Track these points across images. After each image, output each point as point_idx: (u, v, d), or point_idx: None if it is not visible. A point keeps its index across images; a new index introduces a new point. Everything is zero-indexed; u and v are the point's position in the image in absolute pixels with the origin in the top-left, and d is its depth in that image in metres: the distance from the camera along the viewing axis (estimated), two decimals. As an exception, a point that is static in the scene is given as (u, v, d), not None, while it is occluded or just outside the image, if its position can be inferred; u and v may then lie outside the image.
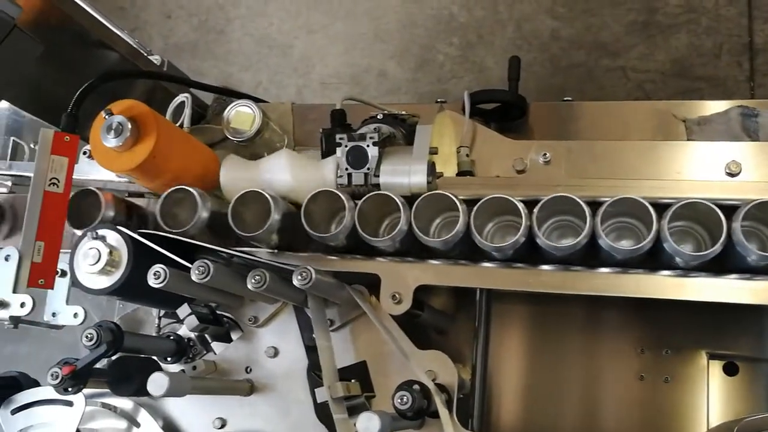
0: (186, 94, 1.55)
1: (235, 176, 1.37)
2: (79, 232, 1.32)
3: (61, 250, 1.27)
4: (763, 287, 1.12)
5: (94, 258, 1.25)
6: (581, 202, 1.13)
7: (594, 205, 1.14)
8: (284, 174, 1.33)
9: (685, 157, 1.31)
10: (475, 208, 1.17)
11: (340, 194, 1.23)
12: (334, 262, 1.29)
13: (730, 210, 1.10)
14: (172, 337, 1.43)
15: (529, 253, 1.22)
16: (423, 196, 1.21)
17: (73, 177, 1.28)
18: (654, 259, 1.17)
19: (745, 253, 1.08)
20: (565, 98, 1.64)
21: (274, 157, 1.36)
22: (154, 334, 1.48)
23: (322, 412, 1.35)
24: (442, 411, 1.16)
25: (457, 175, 1.40)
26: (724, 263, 1.14)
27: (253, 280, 1.16)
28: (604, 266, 1.19)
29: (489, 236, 1.26)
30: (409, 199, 1.23)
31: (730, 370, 1.38)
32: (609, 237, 1.12)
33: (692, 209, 1.12)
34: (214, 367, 1.44)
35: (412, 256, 1.27)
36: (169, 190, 1.29)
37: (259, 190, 1.26)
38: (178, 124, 1.52)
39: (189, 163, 1.34)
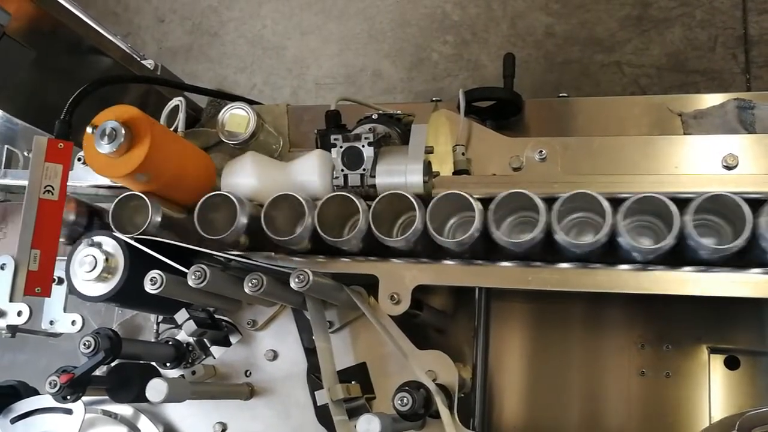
0: (180, 98, 1.54)
1: (267, 179, 1.36)
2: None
3: (58, 258, 1.26)
4: (760, 280, 1.11)
5: (90, 265, 1.24)
6: (601, 199, 1.13)
7: (616, 201, 1.14)
8: (315, 175, 1.32)
9: (682, 152, 1.31)
10: (493, 204, 1.17)
11: (353, 197, 1.23)
12: (332, 264, 1.28)
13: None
14: (170, 343, 1.43)
15: (547, 252, 1.21)
16: (439, 196, 1.21)
17: (68, 184, 1.28)
18: (677, 256, 1.16)
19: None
20: (561, 94, 1.64)
21: (307, 157, 1.35)
22: (152, 340, 1.47)
23: (323, 414, 1.34)
24: (443, 411, 1.16)
25: (454, 173, 1.40)
26: (755, 259, 1.14)
27: (250, 284, 1.16)
28: (625, 264, 1.18)
29: (504, 234, 1.25)
30: (424, 199, 1.22)
31: (731, 364, 1.38)
32: (629, 235, 1.12)
33: (716, 203, 1.11)
34: (214, 372, 1.44)
35: (425, 256, 1.27)
36: (206, 196, 1.28)
37: (293, 194, 1.25)
38: (172, 129, 1.51)
39: (184, 167, 1.33)
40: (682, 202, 1.12)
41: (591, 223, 1.22)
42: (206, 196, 1.28)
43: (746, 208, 1.08)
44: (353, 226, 1.24)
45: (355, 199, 1.22)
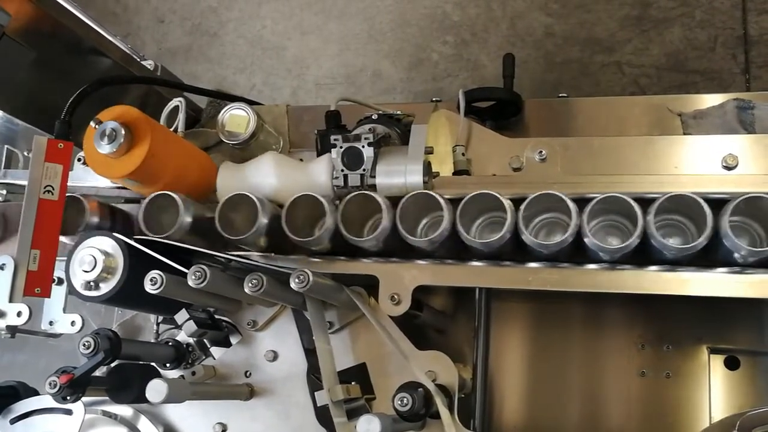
0: (180, 99, 1.54)
1: (228, 181, 1.37)
2: (67, 240, 1.31)
3: (57, 258, 1.26)
4: (760, 280, 1.11)
5: (89, 265, 1.24)
6: (567, 199, 1.13)
7: (584, 201, 1.14)
8: (270, 177, 1.33)
9: (681, 152, 1.31)
10: (461, 204, 1.17)
11: (320, 198, 1.23)
12: (332, 264, 1.28)
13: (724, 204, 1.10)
14: (170, 343, 1.43)
15: (517, 251, 1.21)
16: (407, 196, 1.20)
17: (68, 184, 1.28)
18: (644, 255, 1.16)
19: (734, 248, 1.08)
20: (561, 94, 1.64)
21: (260, 159, 1.36)
22: (152, 341, 1.47)
23: (323, 415, 1.34)
24: (443, 412, 1.16)
25: (454, 174, 1.40)
26: (721, 258, 1.14)
27: (250, 284, 1.15)
28: (593, 263, 1.18)
29: (475, 234, 1.25)
30: (394, 199, 1.22)
31: (731, 364, 1.38)
32: (597, 235, 1.12)
33: (678, 203, 1.11)
34: (214, 372, 1.44)
35: (397, 255, 1.27)
36: (152, 196, 1.27)
37: (246, 193, 1.25)
38: (172, 129, 1.51)
39: (184, 167, 1.33)
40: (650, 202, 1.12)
41: (560, 224, 1.22)
42: (228, 195, 1.27)
43: (706, 208, 1.08)
44: (321, 226, 1.24)
45: (321, 199, 1.22)
